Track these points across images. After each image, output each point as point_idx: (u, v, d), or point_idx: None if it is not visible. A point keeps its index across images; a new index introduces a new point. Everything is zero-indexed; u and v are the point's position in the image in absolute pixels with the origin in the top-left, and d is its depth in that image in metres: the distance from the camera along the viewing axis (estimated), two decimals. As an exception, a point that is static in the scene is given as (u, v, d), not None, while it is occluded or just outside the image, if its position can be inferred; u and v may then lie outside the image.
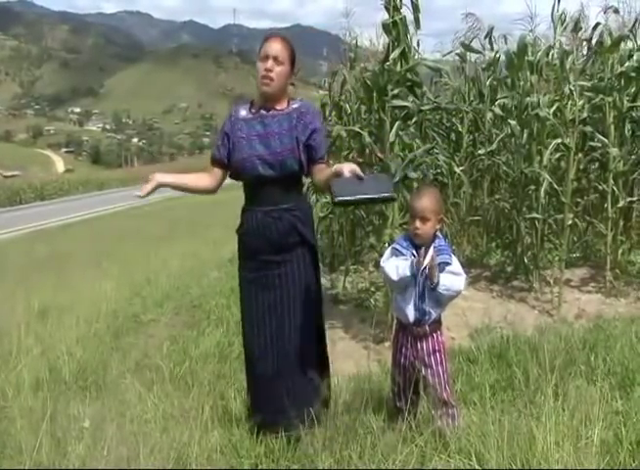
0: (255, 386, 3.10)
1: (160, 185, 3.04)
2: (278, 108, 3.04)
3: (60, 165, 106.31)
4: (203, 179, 3.17)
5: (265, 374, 3.02)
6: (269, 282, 3.02)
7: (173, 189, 3.16)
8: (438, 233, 2.93)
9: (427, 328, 2.91)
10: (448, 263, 2.83)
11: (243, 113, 3.10)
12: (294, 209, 3.01)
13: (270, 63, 2.95)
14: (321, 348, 3.19)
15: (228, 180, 3.21)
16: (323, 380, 3.08)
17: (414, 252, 2.85)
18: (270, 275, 3.02)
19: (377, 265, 3.07)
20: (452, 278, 2.82)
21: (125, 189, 45.46)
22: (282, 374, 2.99)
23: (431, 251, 2.82)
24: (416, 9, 4.55)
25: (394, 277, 2.83)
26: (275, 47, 2.96)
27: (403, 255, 2.86)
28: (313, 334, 3.09)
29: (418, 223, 2.83)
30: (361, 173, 2.69)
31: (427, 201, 2.84)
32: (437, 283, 2.78)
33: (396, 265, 2.83)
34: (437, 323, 2.95)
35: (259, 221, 3.00)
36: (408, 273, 2.80)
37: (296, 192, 3.09)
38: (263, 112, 3.05)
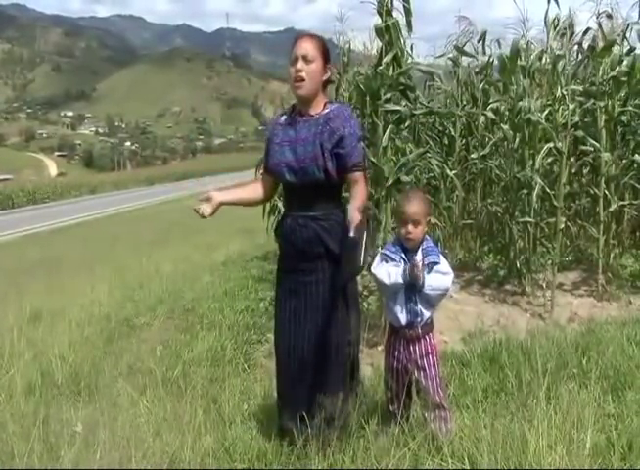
0: (278, 387, 3.10)
1: (222, 204, 2.99)
2: (312, 112, 2.96)
3: (52, 169, 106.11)
4: (257, 190, 3.14)
5: (285, 377, 3.02)
6: (297, 288, 2.96)
7: (232, 205, 3.12)
8: (425, 235, 2.95)
9: (419, 330, 2.91)
10: (437, 263, 2.84)
11: (282, 118, 3.07)
12: (321, 218, 2.90)
13: (300, 63, 2.87)
14: (347, 365, 3.01)
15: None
16: (344, 396, 2.89)
17: (403, 255, 2.86)
18: (298, 281, 2.96)
19: (369, 269, 3.05)
20: (439, 277, 2.83)
21: (118, 193, 45.41)
22: (299, 381, 2.95)
23: (420, 256, 2.84)
24: (408, 13, 4.57)
25: (387, 283, 2.84)
26: (303, 46, 2.89)
27: (393, 259, 2.87)
28: (335, 349, 2.93)
29: (410, 228, 2.83)
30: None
31: (417, 205, 2.85)
32: (423, 284, 2.79)
33: (388, 272, 2.84)
34: (430, 325, 2.96)
35: (288, 227, 2.98)
36: (400, 281, 2.81)
37: (326, 201, 2.94)
38: (297, 116, 2.99)
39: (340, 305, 2.96)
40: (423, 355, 2.91)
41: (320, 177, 2.88)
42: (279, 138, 3.00)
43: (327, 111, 2.95)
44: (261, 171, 3.20)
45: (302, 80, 2.89)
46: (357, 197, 2.86)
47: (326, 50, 2.97)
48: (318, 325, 2.92)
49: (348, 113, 3.00)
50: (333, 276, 2.91)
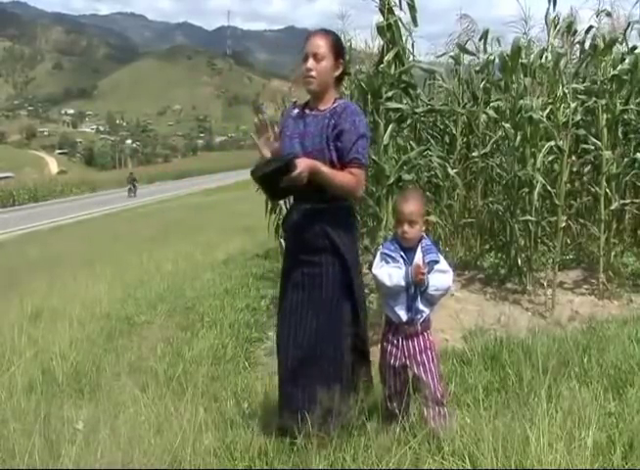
0: (279, 382, 3.09)
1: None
2: (321, 108, 3.01)
3: (53, 167, 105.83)
4: None
5: (284, 371, 3.02)
6: (298, 280, 3.00)
7: None
8: (423, 233, 2.97)
9: (418, 327, 2.92)
10: (437, 261, 2.87)
11: (295, 110, 3.12)
12: (325, 211, 2.95)
13: (310, 61, 2.93)
14: (346, 359, 3.00)
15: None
16: (343, 392, 2.86)
17: (403, 254, 2.88)
18: (300, 273, 3.00)
19: (371, 267, 3.04)
20: (441, 277, 2.86)
21: (119, 190, 45.42)
22: (296, 376, 2.96)
23: (419, 253, 2.85)
24: (412, 9, 4.57)
25: (388, 284, 2.85)
26: (314, 44, 2.94)
27: (393, 258, 2.88)
28: (335, 343, 2.95)
29: (406, 227, 2.86)
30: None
31: (413, 205, 2.88)
32: (427, 285, 2.82)
33: (389, 274, 2.85)
34: (428, 322, 2.97)
35: (293, 218, 3.04)
36: (402, 283, 2.82)
37: (331, 194, 2.95)
38: (307, 111, 3.05)
39: (343, 300, 2.98)
40: (422, 351, 2.93)
41: None
42: (289, 130, 3.06)
43: (335, 106, 3.00)
44: None
45: (312, 78, 2.95)
46: (341, 173, 2.91)
47: (338, 46, 3.01)
48: (323, 320, 2.94)
49: (353, 109, 3.02)
50: (336, 271, 2.95)
